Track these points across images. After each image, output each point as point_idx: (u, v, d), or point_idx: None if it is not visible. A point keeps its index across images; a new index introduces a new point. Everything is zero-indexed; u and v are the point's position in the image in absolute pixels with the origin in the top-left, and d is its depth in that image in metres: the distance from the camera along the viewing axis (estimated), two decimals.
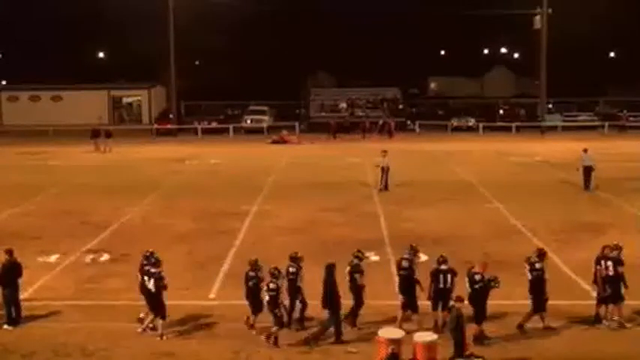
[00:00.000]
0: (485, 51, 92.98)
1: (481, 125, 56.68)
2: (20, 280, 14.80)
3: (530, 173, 33.95)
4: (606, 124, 55.79)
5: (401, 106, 61.40)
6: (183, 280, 16.72)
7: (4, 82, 78.77)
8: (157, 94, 64.94)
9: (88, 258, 19.27)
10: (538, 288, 13.79)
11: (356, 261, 14.22)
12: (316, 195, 27.81)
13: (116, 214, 24.47)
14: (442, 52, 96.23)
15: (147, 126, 59.75)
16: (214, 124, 57.97)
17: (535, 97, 64.60)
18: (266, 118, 58.20)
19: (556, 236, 21.00)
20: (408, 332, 12.66)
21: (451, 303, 12.63)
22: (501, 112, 61.82)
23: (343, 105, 61.19)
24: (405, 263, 14.15)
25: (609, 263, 14.02)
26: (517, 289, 15.49)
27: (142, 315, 14.12)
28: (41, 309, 15.10)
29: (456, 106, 67.82)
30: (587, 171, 28.57)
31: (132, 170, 36.20)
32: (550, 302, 13.93)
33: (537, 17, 58.55)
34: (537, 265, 13.90)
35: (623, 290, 13.97)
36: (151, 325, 13.92)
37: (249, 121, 57.69)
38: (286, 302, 13.86)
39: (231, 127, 56.61)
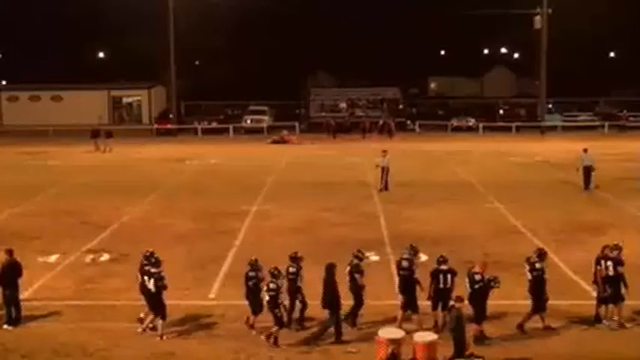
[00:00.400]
0: (486, 51, 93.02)
1: (481, 125, 56.70)
2: (20, 280, 14.79)
3: (530, 173, 33.95)
4: (606, 124, 55.80)
5: (401, 106, 61.41)
6: (183, 280, 16.72)
7: (4, 82, 78.77)
8: (157, 94, 64.92)
9: (88, 258, 19.27)
10: (538, 288, 13.79)
11: (356, 261, 14.21)
12: (316, 195, 27.81)
13: (116, 214, 24.46)
14: (442, 52, 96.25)
15: (147, 126, 59.76)
16: (214, 124, 57.99)
17: (535, 97, 64.62)
18: (266, 118, 58.22)
19: (556, 236, 20.99)
20: (408, 332, 12.65)
21: (451, 303, 12.62)
22: (501, 112, 61.87)
23: (343, 105, 61.20)
24: (405, 263, 14.16)
25: (609, 263, 14.02)
26: (517, 289, 15.48)
27: (142, 315, 14.12)
28: (41, 309, 15.09)
29: (456, 106, 67.84)
30: (587, 171, 28.61)
31: (132, 170, 36.20)
32: (550, 302, 13.93)
33: (537, 17, 58.57)
34: (537, 265, 13.90)
35: (623, 290, 13.96)
36: (150, 325, 13.92)
37: (249, 121, 57.70)
38: (286, 302, 13.86)
39: (231, 127, 56.62)
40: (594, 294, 14.51)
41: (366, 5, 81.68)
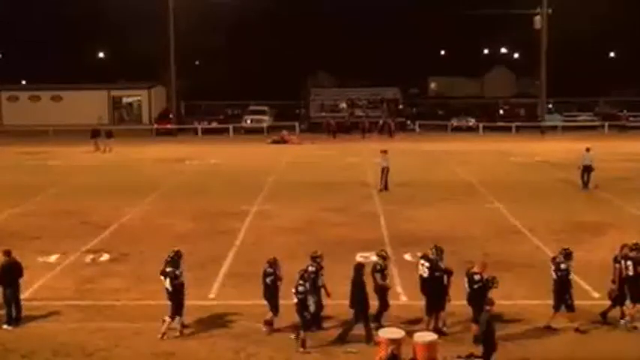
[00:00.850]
0: (486, 51, 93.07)
1: (481, 125, 56.70)
2: (21, 280, 14.79)
3: (530, 173, 33.94)
4: (606, 124, 55.81)
5: (401, 106, 61.41)
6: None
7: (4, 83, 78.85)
8: (157, 94, 64.98)
9: (88, 258, 19.25)
10: (562, 288, 13.74)
11: (378, 261, 13.98)
12: (316, 195, 27.81)
13: (116, 214, 24.45)
14: (442, 52, 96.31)
15: (147, 126, 59.77)
16: (214, 124, 57.99)
17: (535, 97, 64.64)
18: (266, 118, 58.23)
19: (556, 236, 20.97)
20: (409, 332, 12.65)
21: (486, 308, 12.37)
22: (501, 112, 61.89)
23: (343, 105, 61.20)
24: (426, 263, 13.82)
25: (629, 263, 13.87)
26: (517, 289, 15.52)
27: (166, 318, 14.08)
28: (41, 309, 15.08)
29: (456, 106, 67.85)
30: (587, 170, 28.66)
31: (132, 170, 36.20)
32: (550, 302, 13.91)
33: (537, 17, 58.60)
34: (562, 266, 13.78)
35: None
36: (182, 324, 13.88)
37: (249, 121, 57.71)
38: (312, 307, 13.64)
39: (231, 127, 56.62)
40: (595, 294, 14.48)
41: (366, 5, 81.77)
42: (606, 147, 40.05)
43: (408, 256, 18.76)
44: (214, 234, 21.63)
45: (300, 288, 13.13)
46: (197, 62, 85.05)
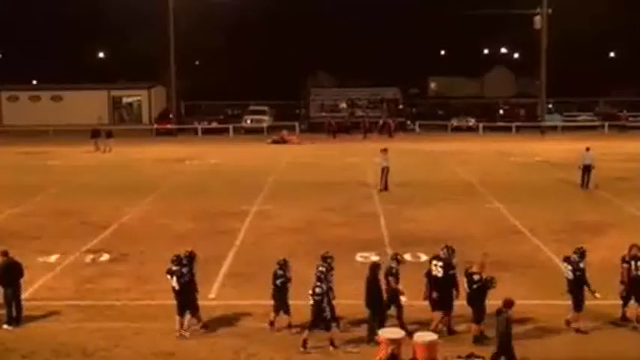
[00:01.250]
0: (486, 51, 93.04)
1: (481, 125, 56.70)
2: (21, 280, 14.79)
3: (530, 173, 33.95)
4: (606, 124, 55.81)
5: (401, 106, 61.40)
6: None
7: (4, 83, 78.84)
8: (157, 94, 64.97)
9: (88, 258, 19.26)
10: (580, 287, 13.74)
11: (393, 264, 13.88)
12: (316, 195, 27.81)
13: (116, 214, 24.46)
14: (442, 52, 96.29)
15: (147, 126, 59.76)
16: (214, 124, 57.99)
17: (535, 97, 64.63)
18: (266, 118, 58.21)
19: (556, 236, 20.99)
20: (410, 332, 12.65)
21: (503, 309, 12.32)
22: (501, 112, 61.86)
23: (343, 105, 61.19)
24: (439, 263, 13.79)
25: (639, 264, 13.91)
26: (517, 289, 15.50)
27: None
28: (41, 309, 15.09)
29: (456, 106, 67.83)
30: (586, 169, 28.70)
31: (132, 170, 36.20)
32: (550, 302, 13.94)
33: (537, 17, 58.59)
34: (581, 265, 13.81)
35: None
36: (199, 323, 13.95)
37: (249, 121, 57.70)
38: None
39: (231, 127, 56.62)
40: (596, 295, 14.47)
41: (366, 5, 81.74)
42: (606, 147, 40.05)
43: (408, 256, 18.75)
44: (214, 234, 21.63)
45: (318, 290, 13.07)
46: (197, 62, 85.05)
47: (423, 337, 12.11)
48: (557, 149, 42.25)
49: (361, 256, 18.39)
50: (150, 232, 22.09)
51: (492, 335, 13.37)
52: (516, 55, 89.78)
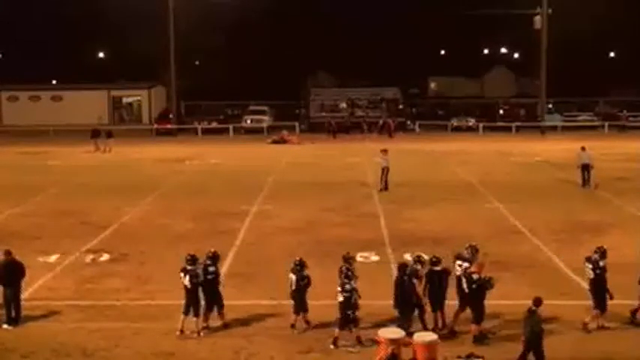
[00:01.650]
0: (486, 51, 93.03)
1: (481, 125, 56.70)
2: (23, 281, 14.79)
3: (530, 173, 33.95)
4: (606, 124, 55.81)
5: (401, 106, 61.40)
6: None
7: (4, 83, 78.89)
8: (157, 94, 64.97)
9: (88, 258, 19.26)
10: (601, 286, 13.76)
11: (417, 266, 13.85)
12: (316, 195, 27.81)
13: (116, 214, 24.46)
14: (442, 52, 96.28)
15: (147, 126, 59.76)
16: (214, 124, 57.99)
17: (535, 97, 64.61)
18: (266, 118, 58.20)
19: (556, 236, 20.99)
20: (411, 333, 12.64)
21: (532, 308, 12.31)
22: (501, 112, 61.84)
23: (343, 105, 61.19)
24: (464, 264, 13.76)
25: None
26: (517, 288, 15.52)
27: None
28: (41, 309, 15.09)
29: (456, 106, 67.82)
30: (586, 168, 28.75)
31: (132, 170, 36.20)
32: (550, 302, 13.89)
33: (537, 17, 58.58)
34: (601, 264, 13.82)
35: None
36: (205, 325, 14.00)
37: (249, 121, 57.69)
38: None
39: (231, 127, 56.62)
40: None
41: (366, 5, 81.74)
42: (606, 147, 40.07)
43: (407, 256, 18.76)
44: (214, 234, 21.62)
45: (347, 286, 13.18)
46: (197, 62, 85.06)
47: (423, 337, 12.11)
48: (557, 149, 42.24)
49: (361, 256, 18.39)
50: (150, 232, 22.09)
51: (493, 335, 13.43)
52: (516, 55, 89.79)
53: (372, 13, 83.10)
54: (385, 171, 28.74)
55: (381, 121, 55.34)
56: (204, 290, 14.11)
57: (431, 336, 12.22)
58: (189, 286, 13.79)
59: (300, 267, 13.98)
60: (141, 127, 59.25)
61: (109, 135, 44.84)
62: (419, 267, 13.82)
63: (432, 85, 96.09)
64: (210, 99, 67.79)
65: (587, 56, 78.40)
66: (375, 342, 12.35)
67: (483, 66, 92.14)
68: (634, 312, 14.09)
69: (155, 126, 58.00)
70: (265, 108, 60.25)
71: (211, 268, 14.12)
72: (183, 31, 59.07)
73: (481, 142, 48.90)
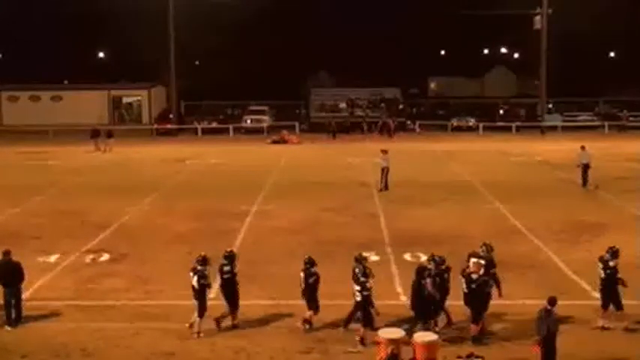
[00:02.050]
0: (486, 51, 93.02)
1: (481, 125, 56.66)
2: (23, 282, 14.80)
3: (530, 173, 33.94)
4: (606, 124, 55.79)
5: (401, 106, 61.35)
6: (183, 280, 16.64)
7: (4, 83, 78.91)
8: (157, 94, 64.88)
9: (88, 258, 19.27)
10: (611, 286, 13.76)
11: (429, 265, 13.83)
12: (316, 195, 27.81)
13: (116, 214, 24.46)
14: (442, 52, 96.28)
15: (147, 126, 59.72)
16: (214, 124, 57.95)
17: (535, 97, 64.58)
18: (266, 118, 58.14)
19: (556, 236, 21.00)
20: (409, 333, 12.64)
21: (547, 307, 12.28)
22: (501, 112, 61.80)
23: (343, 105, 61.15)
24: (481, 262, 13.74)
25: None
26: (517, 288, 15.53)
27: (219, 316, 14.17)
28: (41, 309, 15.09)
29: (456, 106, 67.77)
30: (584, 168, 28.78)
31: (132, 170, 36.20)
32: None
33: (537, 17, 58.51)
34: (611, 263, 13.83)
35: None
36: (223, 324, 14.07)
37: (249, 121, 57.63)
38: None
39: (231, 127, 56.60)
40: (595, 294, 14.48)
41: (366, 5, 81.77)
42: (606, 147, 40.07)
43: (407, 256, 18.80)
44: (214, 234, 21.62)
45: (367, 284, 13.34)
46: (197, 62, 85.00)
47: (423, 337, 12.11)
48: (558, 149, 42.21)
49: None
50: (150, 232, 22.10)
51: (493, 335, 13.42)
52: (516, 55, 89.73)
53: (372, 13, 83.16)
54: (385, 171, 28.75)
55: (380, 121, 55.31)
56: (223, 290, 14.16)
57: (431, 336, 12.22)
58: (196, 287, 13.80)
59: (309, 265, 13.99)
60: (141, 127, 59.20)
61: (109, 135, 44.81)
62: (431, 266, 13.82)
63: (432, 85, 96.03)
64: (210, 99, 67.74)
65: (587, 56, 78.39)
66: (376, 342, 12.35)
67: (483, 66, 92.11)
68: None
69: (155, 126, 57.96)
70: (265, 108, 60.17)
71: (227, 268, 14.17)
72: (184, 31, 59.04)
73: (481, 142, 48.89)
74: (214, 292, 16.22)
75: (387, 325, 13.30)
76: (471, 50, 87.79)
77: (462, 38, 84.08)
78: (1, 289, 14.69)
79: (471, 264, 13.85)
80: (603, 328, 13.80)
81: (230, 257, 14.35)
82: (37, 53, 79.98)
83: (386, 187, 28.54)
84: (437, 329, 13.20)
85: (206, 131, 56.20)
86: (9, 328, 14.21)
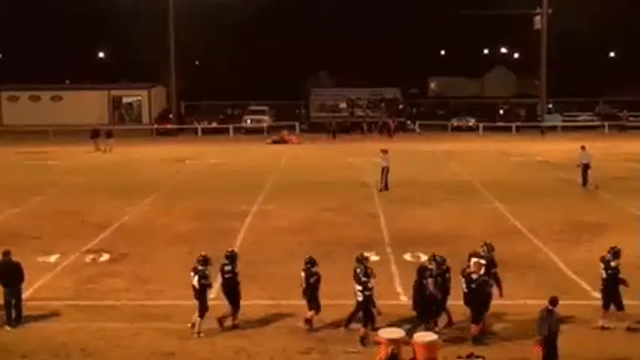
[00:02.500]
0: (486, 51, 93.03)
1: (481, 125, 56.65)
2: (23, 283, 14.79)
3: (530, 173, 33.94)
4: (606, 124, 55.78)
5: (401, 106, 61.34)
6: (183, 280, 16.64)
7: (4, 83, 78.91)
8: (157, 94, 64.87)
9: (88, 258, 19.26)
10: (612, 286, 13.76)
11: (430, 265, 13.82)
12: (316, 195, 27.81)
13: (116, 214, 24.45)
14: (442, 52, 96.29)
15: (147, 126, 59.72)
16: (214, 124, 57.94)
17: (535, 97, 64.58)
18: (266, 118, 58.13)
19: (556, 236, 21.00)
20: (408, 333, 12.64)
21: (549, 307, 12.31)
22: (501, 112, 61.79)
23: (343, 105, 61.14)
24: (482, 261, 13.73)
25: None
26: (517, 288, 15.53)
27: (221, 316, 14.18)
28: (41, 309, 15.09)
29: (456, 106, 67.76)
30: (584, 168, 28.81)
31: (132, 170, 36.19)
32: None
33: (537, 17, 58.51)
34: (612, 264, 13.83)
35: None
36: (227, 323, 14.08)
37: (249, 121, 57.62)
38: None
39: (231, 127, 56.59)
40: (595, 294, 14.49)
41: (366, 5, 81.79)
42: (606, 147, 40.06)
43: (407, 256, 18.80)
44: (214, 234, 21.62)
45: (369, 284, 13.35)
46: (197, 62, 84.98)
47: (423, 337, 12.11)
48: (558, 149, 42.20)
49: None
50: (150, 232, 22.09)
51: (493, 335, 13.42)
52: (516, 55, 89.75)
53: (372, 13, 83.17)
54: (385, 171, 28.74)
55: (380, 121, 55.29)
56: (224, 290, 14.16)
57: (431, 336, 12.22)
58: (197, 287, 13.80)
59: (310, 264, 14.00)
60: (141, 127, 59.19)
61: (109, 135, 44.80)
62: (432, 266, 13.82)
63: (432, 85, 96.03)
64: (210, 99, 67.74)
65: (587, 56, 78.40)
66: (376, 342, 12.35)
67: (483, 66, 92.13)
68: None
69: (155, 126, 57.95)
70: (265, 108, 60.15)
71: (228, 267, 14.17)
72: (184, 31, 59.05)
73: (481, 142, 48.88)
74: (215, 292, 16.27)
75: (388, 325, 13.31)
76: (470, 50, 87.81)
77: (461, 38, 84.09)
78: (1, 289, 14.70)
79: (471, 264, 13.83)
80: (603, 328, 13.81)
81: (232, 257, 14.35)
82: (37, 53, 79.98)
83: (386, 187, 28.53)
84: (437, 329, 13.22)
85: (206, 131, 56.19)
86: (9, 328, 14.21)
